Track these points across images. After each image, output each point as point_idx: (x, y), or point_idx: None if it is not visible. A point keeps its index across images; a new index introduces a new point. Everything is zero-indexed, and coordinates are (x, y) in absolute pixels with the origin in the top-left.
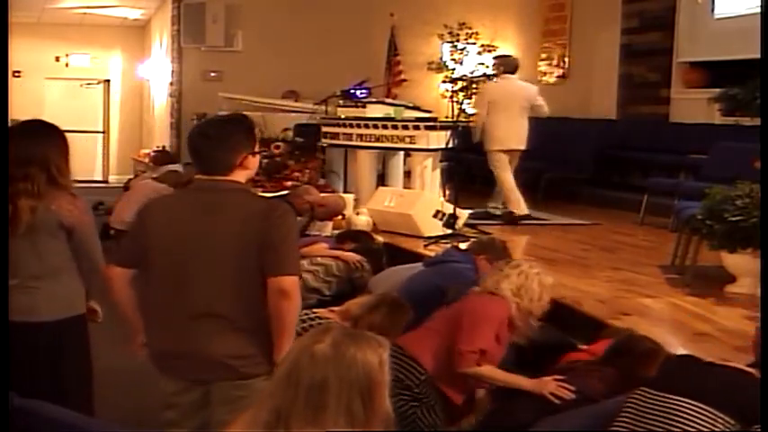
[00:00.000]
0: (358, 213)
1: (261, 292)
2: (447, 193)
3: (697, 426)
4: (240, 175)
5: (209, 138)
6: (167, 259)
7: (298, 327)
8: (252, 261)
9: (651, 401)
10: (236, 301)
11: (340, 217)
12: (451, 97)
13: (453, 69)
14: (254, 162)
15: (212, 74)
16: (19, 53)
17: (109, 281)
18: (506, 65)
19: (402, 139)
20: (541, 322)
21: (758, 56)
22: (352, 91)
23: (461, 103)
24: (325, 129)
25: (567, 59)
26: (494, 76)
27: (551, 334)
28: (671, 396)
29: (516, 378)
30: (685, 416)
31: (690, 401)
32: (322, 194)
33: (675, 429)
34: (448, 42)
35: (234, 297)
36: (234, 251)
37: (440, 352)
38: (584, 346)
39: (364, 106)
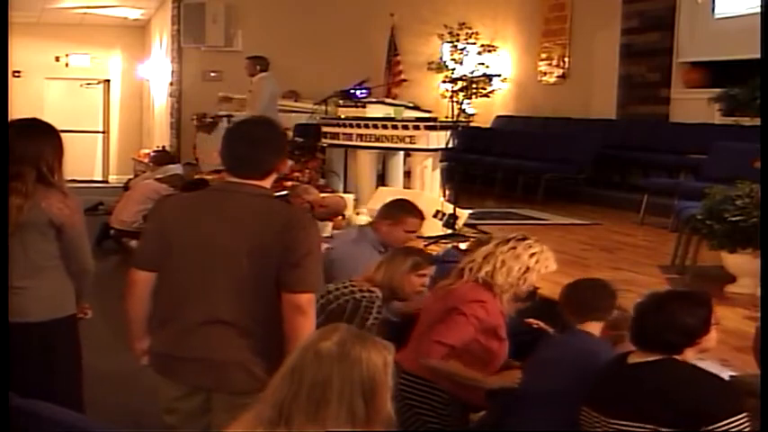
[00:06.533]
0: (358, 213)
1: (278, 303)
2: (447, 193)
3: None
4: (271, 180)
5: (255, 141)
6: (184, 261)
7: (340, 300)
8: (271, 272)
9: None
10: (247, 309)
11: (340, 217)
12: (451, 97)
13: (453, 69)
14: (285, 165)
15: (212, 74)
16: (19, 53)
17: (131, 284)
18: (263, 64)
19: (402, 139)
20: (540, 322)
21: (758, 56)
22: (352, 91)
23: (461, 103)
24: (325, 129)
25: (567, 59)
26: (492, 76)
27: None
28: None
29: (477, 374)
30: None
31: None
32: (322, 194)
33: None
34: (448, 42)
35: (249, 306)
36: (253, 260)
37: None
38: None
39: (364, 106)
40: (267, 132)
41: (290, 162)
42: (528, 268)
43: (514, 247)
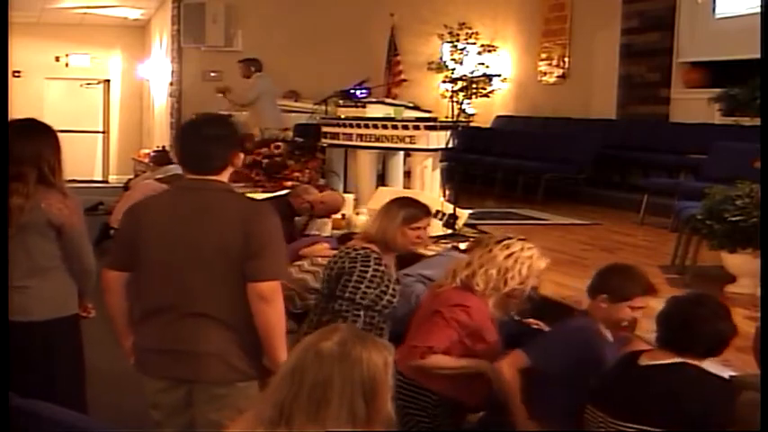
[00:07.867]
0: (358, 213)
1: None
2: (447, 193)
3: None
4: (227, 174)
5: (206, 137)
6: (156, 259)
7: (338, 264)
8: (237, 263)
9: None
10: (223, 301)
11: (340, 217)
12: (451, 97)
13: (453, 69)
14: (240, 159)
15: (212, 74)
16: (19, 53)
17: (104, 284)
18: (257, 65)
19: (402, 139)
20: (539, 322)
21: (758, 56)
22: (352, 91)
23: (461, 103)
24: (325, 129)
25: (567, 59)
26: (492, 76)
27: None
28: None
29: (471, 361)
30: None
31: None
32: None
33: None
34: (448, 42)
35: (221, 298)
36: (220, 253)
37: None
38: None
39: (364, 106)
40: (218, 128)
41: (291, 162)
42: (507, 269)
43: (490, 250)
